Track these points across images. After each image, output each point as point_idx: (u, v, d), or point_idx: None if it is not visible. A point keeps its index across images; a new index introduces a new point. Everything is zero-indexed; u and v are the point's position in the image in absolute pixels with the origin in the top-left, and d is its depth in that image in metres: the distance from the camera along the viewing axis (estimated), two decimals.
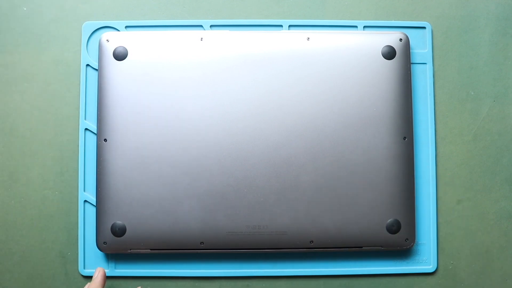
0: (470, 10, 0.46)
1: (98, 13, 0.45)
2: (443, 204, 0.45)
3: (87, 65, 0.44)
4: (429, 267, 0.44)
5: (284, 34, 0.43)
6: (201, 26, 0.45)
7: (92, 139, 0.44)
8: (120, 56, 0.42)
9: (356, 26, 0.45)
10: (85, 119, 0.44)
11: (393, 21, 0.46)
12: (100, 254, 0.43)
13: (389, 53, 0.43)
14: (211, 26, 0.45)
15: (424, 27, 0.46)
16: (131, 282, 0.44)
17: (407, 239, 0.42)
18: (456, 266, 0.45)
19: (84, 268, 0.43)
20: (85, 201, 0.43)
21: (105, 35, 0.43)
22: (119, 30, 0.45)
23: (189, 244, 0.41)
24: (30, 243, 0.44)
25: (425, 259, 0.44)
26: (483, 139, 0.46)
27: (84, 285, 0.41)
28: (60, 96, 0.45)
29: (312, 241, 0.41)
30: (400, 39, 0.43)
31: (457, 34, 0.46)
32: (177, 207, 0.41)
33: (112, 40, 0.42)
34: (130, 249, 0.41)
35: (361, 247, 0.42)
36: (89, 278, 0.44)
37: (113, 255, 0.43)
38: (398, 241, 0.42)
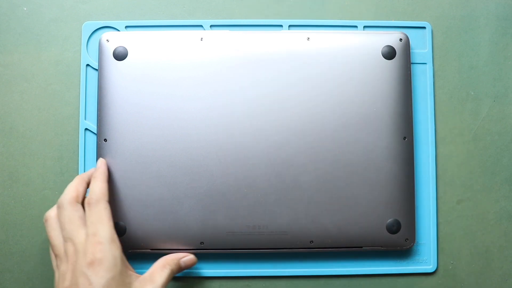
0: (470, 10, 0.46)
1: (98, 13, 0.45)
2: (443, 204, 0.45)
3: (87, 65, 0.44)
4: (429, 267, 0.44)
5: (284, 34, 0.43)
6: (201, 26, 0.45)
7: (92, 139, 0.44)
8: (120, 56, 0.42)
9: (356, 26, 0.45)
10: (85, 119, 0.44)
11: (393, 21, 0.46)
12: None
13: (389, 53, 0.43)
14: (211, 26, 0.45)
15: (424, 27, 0.46)
16: None
17: (407, 239, 0.42)
18: (456, 266, 0.45)
19: None
20: None
21: (105, 35, 0.43)
22: (119, 30, 0.45)
23: (189, 244, 0.41)
24: (30, 243, 0.44)
25: (425, 259, 0.44)
26: (483, 139, 0.46)
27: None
28: (60, 96, 0.45)
29: (312, 241, 0.41)
30: (400, 39, 0.43)
31: (457, 34, 0.46)
32: (177, 207, 0.41)
33: (112, 40, 0.42)
34: (130, 249, 0.41)
35: (361, 247, 0.42)
36: None
37: None
38: (398, 241, 0.42)
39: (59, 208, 0.38)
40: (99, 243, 0.35)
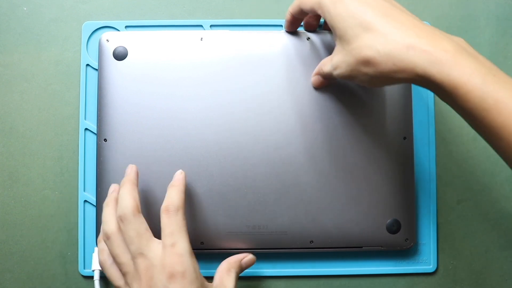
0: (470, 10, 0.46)
1: (98, 13, 0.45)
2: (443, 204, 0.45)
3: (87, 65, 0.44)
4: (429, 267, 0.44)
5: (284, 34, 0.43)
6: (201, 26, 0.45)
7: (92, 139, 0.44)
8: (120, 56, 0.42)
9: None
10: (85, 119, 0.44)
11: None
12: None
13: None
14: (211, 26, 0.45)
15: None
16: None
17: (407, 239, 0.42)
18: (456, 266, 0.45)
19: (84, 268, 0.43)
20: (85, 201, 0.43)
21: (105, 35, 0.43)
22: (119, 30, 0.45)
23: None
24: (30, 243, 0.44)
25: (425, 259, 0.44)
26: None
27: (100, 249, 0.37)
28: (60, 96, 0.45)
29: (312, 241, 0.41)
30: None
31: (457, 34, 0.46)
32: None
33: (112, 40, 0.42)
34: None
35: (361, 247, 0.42)
36: (89, 278, 0.44)
37: None
38: (398, 241, 0.42)
39: (123, 221, 0.35)
40: (179, 255, 0.33)
